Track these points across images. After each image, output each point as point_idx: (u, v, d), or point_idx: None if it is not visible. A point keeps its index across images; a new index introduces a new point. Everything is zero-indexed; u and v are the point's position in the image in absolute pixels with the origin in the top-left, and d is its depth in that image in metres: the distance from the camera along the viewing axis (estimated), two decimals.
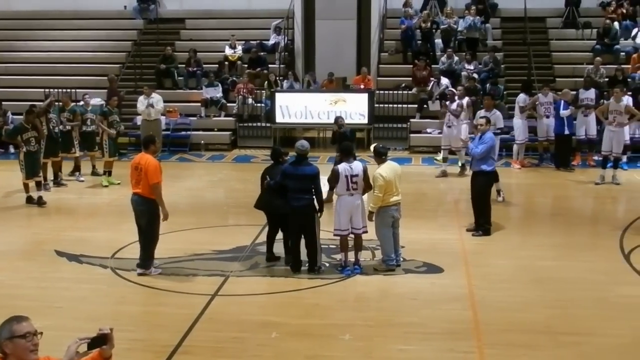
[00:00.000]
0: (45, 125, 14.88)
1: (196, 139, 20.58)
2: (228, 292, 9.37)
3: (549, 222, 13.52)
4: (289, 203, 9.83)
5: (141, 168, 9.74)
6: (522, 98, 17.93)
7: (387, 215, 9.96)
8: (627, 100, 17.20)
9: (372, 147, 10.44)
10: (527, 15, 22.56)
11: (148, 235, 9.92)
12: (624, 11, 22.54)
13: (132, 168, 9.95)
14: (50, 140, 15.04)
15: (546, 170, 17.60)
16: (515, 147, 17.92)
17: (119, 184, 15.25)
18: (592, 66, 20.09)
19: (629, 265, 10.41)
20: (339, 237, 10.08)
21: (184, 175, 17.61)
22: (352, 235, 10.05)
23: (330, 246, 10.67)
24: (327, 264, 10.30)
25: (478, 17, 22.26)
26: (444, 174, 16.67)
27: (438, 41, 22.52)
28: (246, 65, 22.38)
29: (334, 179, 9.84)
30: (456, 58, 21.46)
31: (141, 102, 18.87)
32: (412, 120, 20.45)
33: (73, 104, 17.18)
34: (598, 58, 20.26)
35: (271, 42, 23.23)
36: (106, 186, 15.68)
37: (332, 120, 19.12)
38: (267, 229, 10.71)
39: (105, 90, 21.16)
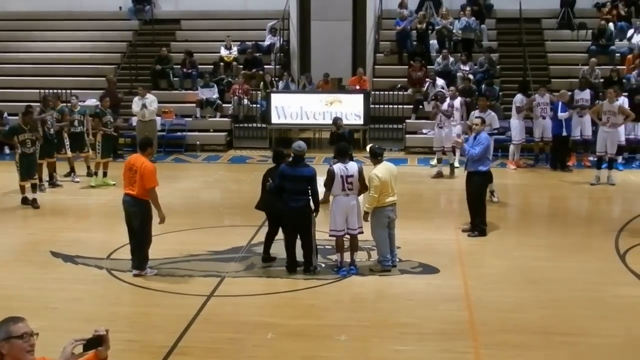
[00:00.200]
0: (40, 127, 14.86)
1: (192, 140, 20.57)
2: (224, 292, 9.37)
3: (545, 223, 13.54)
4: (286, 204, 9.82)
5: (136, 170, 9.72)
6: (519, 98, 17.96)
7: (382, 215, 9.97)
8: (623, 101, 17.25)
9: (368, 148, 10.45)
10: (523, 16, 22.64)
11: (141, 236, 9.91)
12: (619, 12, 22.59)
13: (126, 168, 9.93)
14: (45, 141, 15.01)
15: (542, 171, 17.62)
16: (511, 148, 17.94)
17: (114, 184, 15.23)
18: (587, 67, 20.13)
19: (624, 265, 10.43)
20: (334, 238, 10.09)
21: (180, 176, 17.59)
22: (348, 236, 10.05)
23: (326, 247, 10.67)
24: (323, 265, 10.31)
25: (473, 18, 22.28)
26: (439, 175, 16.69)
27: (433, 42, 22.55)
28: (242, 66, 22.38)
29: (330, 179, 9.84)
30: (452, 59, 21.50)
31: (136, 103, 18.88)
32: (407, 121, 20.47)
33: (62, 104, 17.13)
34: (593, 59, 20.30)
35: (267, 42, 23.24)
36: (93, 187, 15.66)
37: (327, 121, 19.24)
38: (264, 229, 10.70)
39: (101, 91, 21.22)
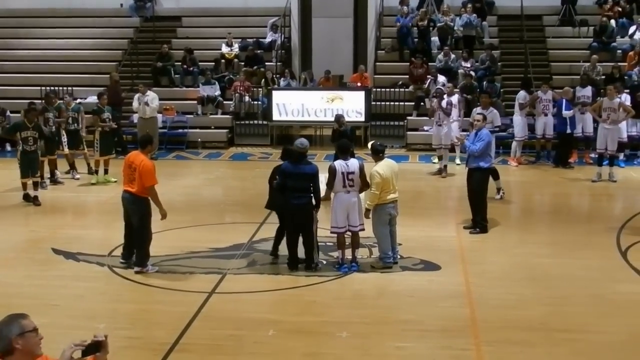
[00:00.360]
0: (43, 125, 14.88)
1: (193, 137, 20.57)
2: (225, 289, 9.37)
3: (546, 220, 13.55)
4: (288, 201, 9.82)
5: (135, 167, 9.72)
6: (522, 95, 17.95)
7: (384, 212, 9.96)
8: (625, 98, 17.24)
9: (369, 145, 10.44)
10: (524, 13, 22.62)
11: (141, 233, 9.91)
12: (621, 9, 22.56)
13: (126, 165, 9.94)
14: (46, 138, 15.00)
15: (543, 168, 17.62)
16: (514, 144, 17.93)
17: (115, 181, 15.23)
18: (588, 64, 20.12)
19: (625, 262, 10.43)
20: (335, 235, 10.09)
21: (181, 173, 17.59)
22: (349, 233, 10.05)
23: (328, 244, 10.66)
24: (324, 262, 10.30)
25: (475, 15, 22.26)
26: (440, 172, 16.65)
27: (435, 39, 22.53)
28: (243, 63, 22.37)
29: (331, 176, 9.83)
30: (453, 56, 21.48)
31: (136, 100, 18.88)
32: (409, 118, 20.47)
33: (60, 101, 17.11)
34: (595, 56, 20.30)
35: (268, 39, 23.23)
36: (94, 184, 15.68)
37: (329, 118, 19.25)
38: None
39: (103, 88, 21.22)
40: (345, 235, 10.07)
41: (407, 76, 21.41)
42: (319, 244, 10.29)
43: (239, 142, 20.88)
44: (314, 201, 9.89)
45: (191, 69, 22.01)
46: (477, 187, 11.81)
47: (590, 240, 11.61)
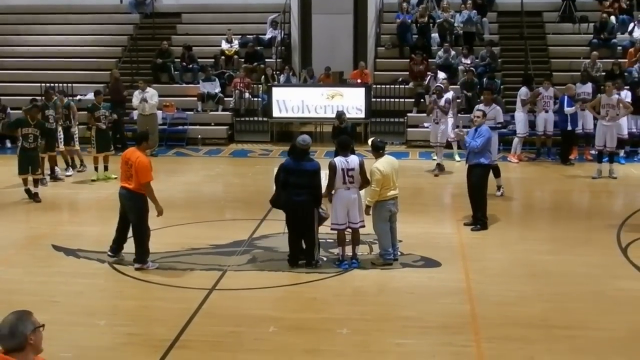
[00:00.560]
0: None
1: (193, 134, 20.55)
2: (225, 286, 9.37)
3: (546, 216, 13.55)
4: (289, 197, 9.82)
5: (131, 164, 9.74)
6: (523, 91, 17.94)
7: (384, 209, 9.96)
8: (626, 94, 17.25)
9: (370, 142, 10.43)
10: (524, 10, 22.61)
11: (139, 230, 9.91)
12: (621, 5, 22.54)
13: (123, 162, 9.98)
14: (49, 136, 14.99)
15: (543, 165, 17.62)
16: (515, 141, 17.91)
17: (115, 178, 15.21)
18: (588, 60, 20.12)
19: (625, 259, 10.43)
20: (336, 232, 10.09)
21: (181, 169, 17.60)
22: (350, 230, 10.05)
23: (328, 240, 10.66)
24: (325, 258, 10.29)
25: (475, 11, 22.25)
26: (441, 166, 16.61)
27: (435, 35, 22.51)
28: (243, 60, 22.37)
29: (332, 173, 9.81)
30: (453, 52, 21.47)
31: (136, 97, 18.88)
32: (409, 114, 20.46)
33: (56, 98, 17.04)
34: (595, 52, 20.30)
35: (268, 36, 23.22)
36: (94, 181, 15.68)
37: (329, 115, 19.26)
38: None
39: (102, 85, 21.22)
40: (346, 232, 10.07)
41: (407, 73, 21.40)
42: (320, 240, 10.27)
43: (239, 138, 20.88)
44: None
45: (190, 66, 22.01)
46: (477, 183, 11.80)
47: (591, 237, 11.61)
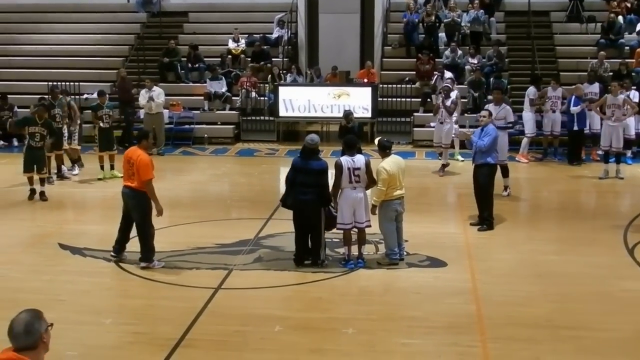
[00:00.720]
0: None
1: (199, 133, 20.58)
2: (231, 285, 9.38)
3: (553, 217, 13.51)
4: (295, 196, 9.83)
5: (133, 162, 9.79)
6: (531, 91, 17.89)
7: (390, 209, 9.95)
8: (634, 94, 17.21)
9: (376, 141, 10.42)
10: (531, 9, 22.56)
11: (143, 229, 9.93)
12: (629, 5, 22.49)
13: (125, 161, 10.05)
14: (57, 135, 15.02)
15: (550, 165, 17.58)
16: (524, 141, 17.83)
17: (121, 177, 15.19)
18: (596, 60, 20.06)
19: (632, 259, 10.40)
20: (342, 231, 10.08)
21: (188, 168, 17.63)
22: (356, 229, 10.04)
23: (334, 240, 10.66)
24: (331, 258, 10.29)
25: (482, 11, 22.21)
26: (445, 166, 16.50)
27: (442, 35, 22.48)
28: (249, 59, 22.37)
29: (338, 172, 9.82)
30: (460, 52, 21.44)
31: (142, 96, 18.91)
32: (415, 114, 20.43)
33: (61, 96, 17.05)
34: (602, 52, 20.23)
35: (274, 35, 23.21)
36: (100, 179, 15.72)
37: (335, 114, 19.26)
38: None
39: (109, 84, 21.28)
40: (352, 232, 10.06)
41: (414, 72, 21.38)
42: (326, 240, 10.27)
43: (246, 138, 20.89)
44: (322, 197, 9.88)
45: (196, 65, 22.02)
46: (484, 183, 11.77)
47: (597, 237, 11.58)
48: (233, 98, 21.18)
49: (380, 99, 20.54)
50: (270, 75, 21.54)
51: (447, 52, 21.45)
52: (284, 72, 21.83)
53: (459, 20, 22.28)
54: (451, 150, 17.11)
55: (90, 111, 16.61)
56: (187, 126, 20.76)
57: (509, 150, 17.74)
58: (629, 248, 10.88)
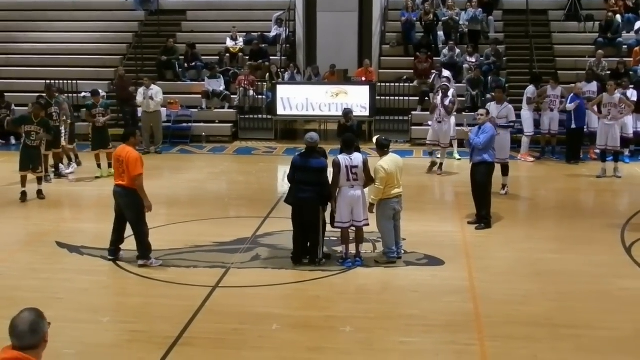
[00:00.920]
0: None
1: (197, 131, 20.57)
2: (229, 283, 9.37)
3: (551, 215, 13.50)
4: (294, 194, 9.84)
5: (122, 160, 9.78)
6: (530, 90, 17.88)
7: (388, 207, 9.95)
8: (632, 93, 17.22)
9: (374, 140, 10.42)
10: (530, 8, 22.56)
11: (138, 227, 9.93)
12: (626, 4, 22.49)
13: (115, 160, 10.10)
14: (53, 134, 14.98)
15: (548, 163, 17.58)
16: (525, 140, 17.79)
17: None
18: (594, 59, 20.07)
19: (630, 258, 10.41)
20: (339, 230, 10.08)
21: (185, 167, 17.62)
22: (354, 228, 10.03)
23: (332, 238, 10.65)
24: (329, 256, 10.28)
25: (480, 10, 22.22)
26: (434, 167, 16.32)
27: (440, 33, 22.48)
28: (247, 57, 22.36)
29: (337, 170, 9.81)
30: (458, 50, 21.44)
31: (140, 94, 18.89)
32: (413, 112, 20.42)
33: (58, 95, 17.01)
34: (600, 51, 20.24)
35: (272, 34, 23.20)
36: (98, 177, 15.71)
37: (333, 113, 19.27)
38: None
39: (107, 82, 21.26)
40: (350, 230, 10.06)
41: (412, 71, 21.38)
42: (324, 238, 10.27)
43: (243, 136, 20.87)
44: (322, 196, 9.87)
45: (193, 64, 22.00)
46: (481, 181, 11.77)
47: (595, 236, 11.58)
48: (231, 96, 21.16)
49: (378, 98, 20.53)
50: (268, 74, 21.53)
51: (445, 51, 21.45)
52: (282, 70, 21.83)
53: (457, 18, 22.28)
54: (450, 149, 17.05)
55: (85, 110, 16.58)
56: (184, 124, 20.74)
57: (512, 149, 17.80)
58: (627, 247, 10.88)
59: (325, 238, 10.29)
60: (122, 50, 23.45)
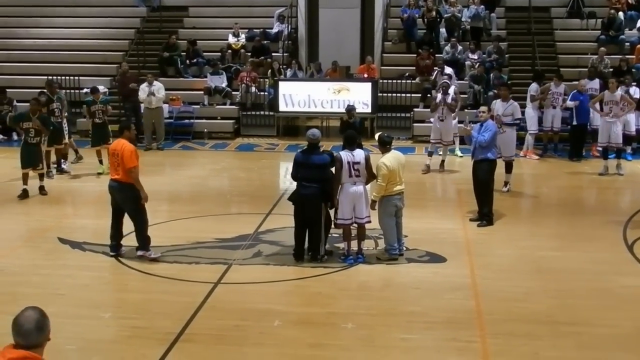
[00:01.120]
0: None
1: (199, 127, 20.55)
2: (230, 280, 9.38)
3: (552, 213, 13.50)
4: (297, 190, 9.85)
5: (117, 154, 9.80)
6: (534, 87, 17.84)
7: (390, 204, 9.95)
8: (635, 91, 17.20)
9: (376, 136, 10.41)
10: (532, 5, 22.53)
11: (137, 219, 9.96)
12: (629, 1, 22.45)
13: (110, 154, 10.15)
14: (53, 129, 14.98)
15: (549, 161, 17.56)
16: (529, 138, 17.75)
17: None
18: (596, 56, 20.03)
19: (631, 256, 10.40)
20: (342, 226, 10.08)
21: (187, 163, 17.62)
22: (355, 225, 10.03)
23: (334, 235, 10.65)
24: (331, 253, 10.28)
25: (482, 7, 22.18)
26: (427, 170, 16.08)
27: (442, 30, 22.45)
28: (249, 54, 22.33)
29: (339, 166, 9.81)
30: (460, 47, 21.41)
31: (143, 90, 18.87)
32: (415, 109, 20.41)
33: (59, 91, 17.00)
34: (602, 48, 20.19)
35: (275, 30, 23.16)
36: (100, 174, 15.70)
37: (335, 109, 19.26)
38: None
39: (109, 78, 21.25)
40: (352, 227, 10.06)
41: (414, 68, 21.35)
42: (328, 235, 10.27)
43: (245, 132, 20.85)
44: (325, 193, 9.87)
45: (194, 60, 21.99)
46: (484, 178, 11.76)
47: (597, 233, 11.58)
48: (233, 93, 21.15)
49: (380, 94, 20.51)
50: (270, 70, 21.50)
51: (447, 48, 21.41)
52: (284, 67, 21.80)
53: (459, 15, 22.23)
54: (451, 146, 17.01)
55: (85, 106, 16.58)
56: (186, 121, 20.73)
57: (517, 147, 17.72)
58: (629, 244, 10.87)
59: (329, 235, 10.30)
60: (124, 46, 23.43)
